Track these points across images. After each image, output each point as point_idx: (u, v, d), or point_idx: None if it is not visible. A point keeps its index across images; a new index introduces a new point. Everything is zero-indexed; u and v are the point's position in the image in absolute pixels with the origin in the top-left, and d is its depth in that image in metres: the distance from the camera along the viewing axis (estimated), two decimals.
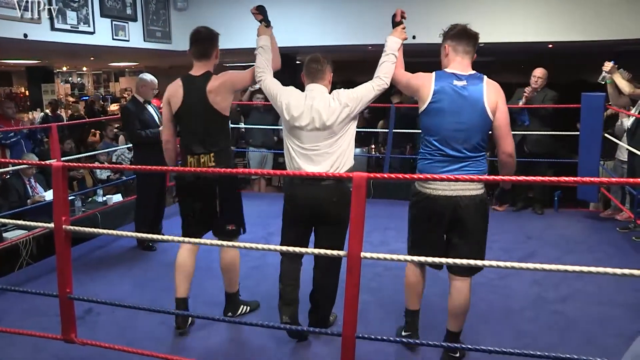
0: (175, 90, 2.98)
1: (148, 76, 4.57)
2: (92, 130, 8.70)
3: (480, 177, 2.41)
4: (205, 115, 2.92)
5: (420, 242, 2.65)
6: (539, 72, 5.43)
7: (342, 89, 2.75)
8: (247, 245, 2.35)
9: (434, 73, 2.53)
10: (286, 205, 2.82)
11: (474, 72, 2.53)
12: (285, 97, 2.75)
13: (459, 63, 2.54)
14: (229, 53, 10.70)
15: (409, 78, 2.66)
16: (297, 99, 2.72)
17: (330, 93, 2.76)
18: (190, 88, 2.95)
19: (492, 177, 2.14)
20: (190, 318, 3.08)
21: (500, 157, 2.56)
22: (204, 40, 2.98)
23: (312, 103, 2.68)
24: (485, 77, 2.51)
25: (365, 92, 2.72)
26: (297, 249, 2.25)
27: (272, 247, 2.26)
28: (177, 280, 3.03)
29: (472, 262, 2.02)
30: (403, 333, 2.81)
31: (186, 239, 2.58)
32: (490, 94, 2.46)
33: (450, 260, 2.14)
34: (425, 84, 2.52)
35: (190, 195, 3.03)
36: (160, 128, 4.42)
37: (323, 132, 2.67)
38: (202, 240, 2.50)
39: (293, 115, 2.70)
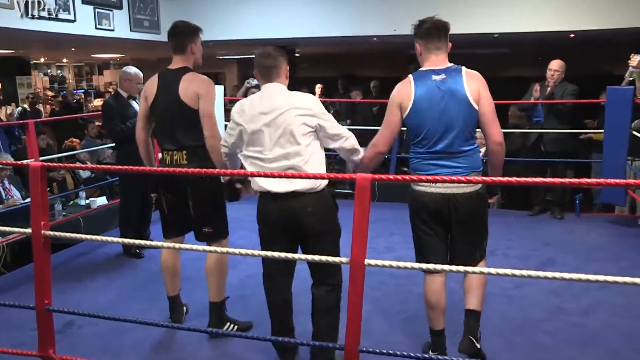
0: (151, 84, 3.11)
1: (132, 69, 4.56)
2: (72, 139, 8.65)
3: (484, 178, 2.54)
4: (176, 110, 3.00)
5: (425, 246, 2.73)
6: (555, 65, 5.40)
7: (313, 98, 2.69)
8: (230, 250, 2.37)
9: (410, 77, 2.65)
10: (259, 225, 2.73)
11: (450, 64, 2.64)
12: (243, 121, 2.66)
13: (433, 60, 2.65)
14: (222, 45, 10.77)
15: (387, 123, 2.70)
16: (253, 107, 2.65)
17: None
18: (164, 82, 3.06)
19: (505, 178, 2.13)
20: (185, 310, 3.35)
21: (489, 146, 2.67)
22: (179, 33, 3.10)
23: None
24: (463, 67, 2.62)
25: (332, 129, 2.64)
26: (283, 255, 2.22)
27: (256, 252, 2.26)
28: (164, 279, 3.27)
29: (484, 269, 2.01)
30: (431, 353, 2.79)
31: (167, 244, 2.73)
32: (471, 83, 2.57)
33: (461, 268, 2.14)
34: (404, 94, 2.62)
35: (163, 193, 3.15)
36: None
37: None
38: (185, 246, 2.58)
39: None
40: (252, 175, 2.63)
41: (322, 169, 2.66)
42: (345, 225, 2.39)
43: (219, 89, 6.54)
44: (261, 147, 2.60)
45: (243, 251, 2.27)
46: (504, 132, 2.67)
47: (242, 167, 2.77)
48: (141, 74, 4.58)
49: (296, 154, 2.56)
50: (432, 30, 2.64)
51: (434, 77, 2.59)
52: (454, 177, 2.47)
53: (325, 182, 2.62)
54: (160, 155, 3.21)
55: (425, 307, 2.77)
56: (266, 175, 2.44)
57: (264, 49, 2.70)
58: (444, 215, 2.64)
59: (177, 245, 2.73)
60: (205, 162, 3.01)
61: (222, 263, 3.15)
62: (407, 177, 1.97)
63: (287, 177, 2.47)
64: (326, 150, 2.71)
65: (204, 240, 3.12)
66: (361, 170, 2.67)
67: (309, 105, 2.60)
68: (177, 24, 3.16)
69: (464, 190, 2.60)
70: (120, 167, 2.63)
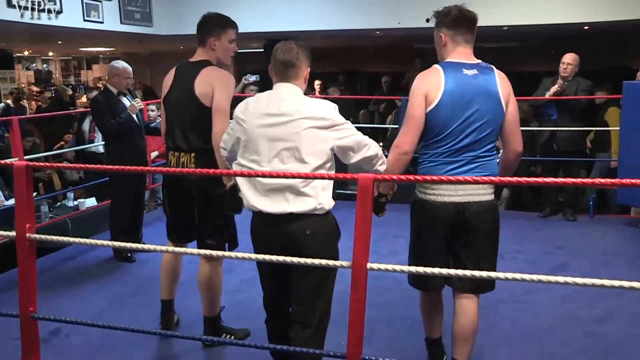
0: (168, 77, 3.06)
1: (120, 63, 4.59)
2: (66, 137, 8.62)
3: (492, 178, 2.46)
4: (189, 106, 2.91)
5: (426, 259, 2.52)
6: (568, 58, 5.40)
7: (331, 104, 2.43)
8: (225, 254, 2.37)
9: (438, 67, 2.50)
10: (253, 247, 2.54)
11: (480, 61, 2.55)
12: (245, 120, 2.46)
13: (461, 53, 2.54)
14: None
15: (410, 116, 2.50)
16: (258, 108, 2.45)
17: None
18: (181, 74, 3.00)
19: (514, 178, 2.13)
20: (176, 319, 3.34)
21: (507, 155, 2.59)
22: (200, 25, 3.07)
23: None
24: (494, 67, 2.55)
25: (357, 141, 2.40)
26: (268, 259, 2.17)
27: (253, 256, 2.24)
28: (161, 280, 3.24)
29: (492, 274, 2.00)
30: None
31: (162, 248, 2.48)
32: (503, 84, 2.50)
33: (469, 273, 2.10)
34: (433, 84, 2.46)
35: (169, 196, 3.12)
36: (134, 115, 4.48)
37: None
38: (181, 249, 2.63)
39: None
40: (236, 174, 2.45)
41: (326, 194, 2.37)
42: (347, 228, 2.39)
43: None
44: (258, 156, 2.37)
45: (240, 255, 2.26)
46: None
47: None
48: (130, 69, 4.60)
49: (299, 169, 2.32)
50: (463, 20, 2.53)
51: (465, 71, 2.48)
52: (469, 178, 2.36)
53: (329, 205, 2.38)
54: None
55: (422, 315, 2.77)
56: (249, 175, 2.31)
57: (285, 43, 2.45)
58: (457, 229, 2.50)
59: (170, 248, 2.70)
60: (215, 167, 2.86)
61: (217, 277, 3.05)
62: (411, 177, 1.96)
63: (278, 177, 2.22)
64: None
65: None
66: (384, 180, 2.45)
67: (325, 115, 2.34)
68: (205, 14, 3.15)
69: (480, 199, 2.48)
70: (110, 167, 2.52)
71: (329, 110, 2.36)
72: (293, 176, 2.23)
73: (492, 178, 2.46)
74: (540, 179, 1.87)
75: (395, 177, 2.01)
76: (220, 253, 2.76)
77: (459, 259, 2.55)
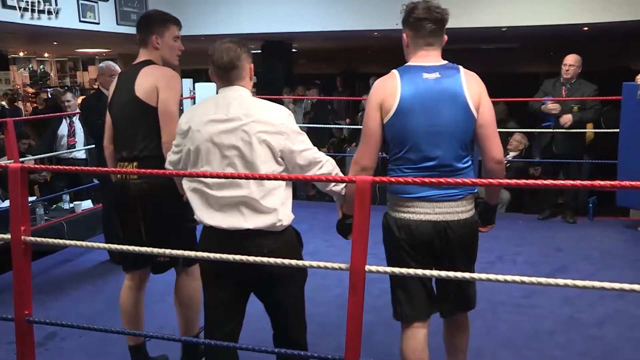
0: (113, 84, 2.86)
1: (104, 63, 4.69)
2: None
3: (491, 180, 2.19)
4: (131, 110, 2.66)
5: (407, 290, 2.36)
6: (570, 60, 5.38)
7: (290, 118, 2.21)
8: (199, 254, 2.19)
9: (395, 72, 2.28)
10: (199, 263, 2.37)
11: (445, 62, 2.29)
12: (191, 130, 2.23)
13: (423, 56, 2.29)
14: (214, 39, 10.73)
15: (366, 130, 2.30)
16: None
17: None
18: (122, 79, 2.79)
19: (512, 181, 2.13)
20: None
21: (486, 164, 2.30)
22: (139, 24, 2.82)
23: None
24: (460, 66, 2.28)
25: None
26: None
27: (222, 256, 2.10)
28: (123, 323, 2.84)
29: (492, 276, 1.99)
30: None
31: (163, 251, 2.25)
32: (471, 86, 2.23)
33: (467, 275, 2.08)
34: (388, 92, 2.24)
35: (116, 210, 2.79)
36: None
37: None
38: (179, 251, 2.29)
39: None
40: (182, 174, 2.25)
41: (285, 209, 2.19)
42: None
43: (211, 87, 6.55)
44: (209, 167, 2.17)
45: (204, 255, 2.13)
46: (518, 132, 2.51)
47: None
48: (114, 66, 4.58)
49: (252, 184, 2.13)
50: (425, 21, 2.25)
51: (425, 75, 2.22)
52: (464, 180, 2.03)
53: (288, 220, 2.21)
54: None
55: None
56: (201, 176, 2.12)
57: (220, 43, 2.24)
58: (435, 250, 2.28)
59: (164, 251, 2.26)
60: (160, 178, 2.62)
61: (191, 296, 2.80)
62: (409, 179, 1.96)
63: (246, 178, 2.05)
64: None
65: (162, 272, 2.78)
66: (348, 200, 2.29)
67: (276, 120, 2.15)
68: (143, 14, 2.91)
69: (459, 217, 2.26)
70: (105, 169, 2.55)
71: (282, 115, 2.18)
72: (270, 178, 2.05)
73: (490, 181, 2.18)
74: (539, 181, 1.86)
75: (393, 179, 2.01)
76: (188, 253, 2.30)
77: (446, 283, 2.36)
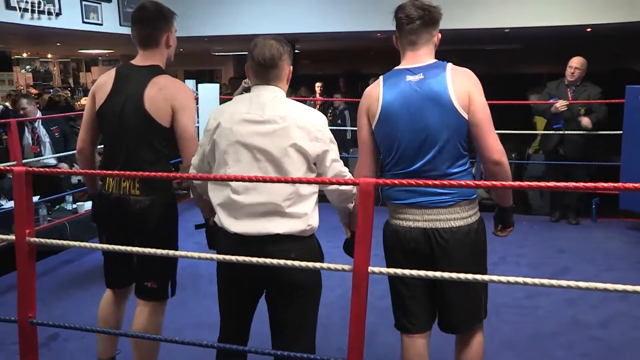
0: (105, 81, 2.51)
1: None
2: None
3: (487, 182, 1.96)
4: (136, 123, 2.41)
5: (401, 300, 2.32)
6: (576, 62, 5.36)
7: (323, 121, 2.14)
8: (182, 253, 2.15)
9: (380, 78, 2.22)
10: (218, 269, 2.27)
11: (434, 60, 2.18)
12: (220, 127, 2.14)
13: (410, 57, 2.19)
14: (218, 40, 10.79)
15: (359, 140, 2.28)
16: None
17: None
18: (124, 81, 2.46)
19: (516, 183, 2.12)
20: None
21: (486, 167, 2.16)
22: (150, 18, 2.48)
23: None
24: (449, 64, 2.15)
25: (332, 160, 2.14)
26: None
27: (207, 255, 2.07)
28: (97, 337, 2.73)
29: (494, 277, 1.97)
30: None
31: (166, 252, 2.16)
32: (459, 84, 2.09)
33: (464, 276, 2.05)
34: (371, 99, 2.19)
35: (106, 225, 2.61)
36: None
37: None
38: (179, 252, 2.28)
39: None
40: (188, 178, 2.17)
41: (314, 217, 2.13)
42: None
43: (215, 88, 6.57)
44: (237, 169, 2.06)
45: (201, 255, 2.05)
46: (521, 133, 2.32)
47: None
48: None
49: (281, 188, 2.05)
50: (405, 19, 2.14)
51: (409, 77, 2.13)
52: (466, 182, 1.90)
53: (317, 223, 2.15)
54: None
55: None
56: (225, 179, 1.97)
57: (264, 40, 2.14)
58: (425, 260, 2.17)
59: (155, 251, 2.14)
60: (164, 197, 2.50)
61: (154, 330, 2.57)
62: (412, 181, 1.96)
63: (264, 181, 1.99)
64: None
65: (143, 298, 2.57)
66: (355, 216, 2.21)
67: (313, 126, 2.07)
68: (145, 6, 2.52)
69: (450, 225, 2.15)
70: (111, 172, 2.45)
71: (319, 121, 2.10)
72: (287, 181, 2.02)
73: (485, 183, 2.00)
74: (542, 183, 1.86)
75: (397, 181, 2.01)
76: (181, 253, 2.23)
77: (444, 296, 2.26)
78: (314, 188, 2.13)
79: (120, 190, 2.46)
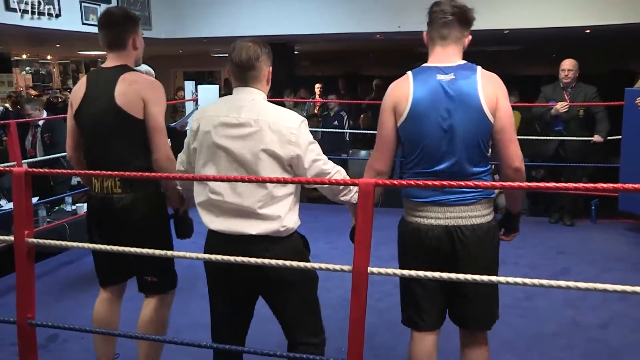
0: (78, 88, 2.58)
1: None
2: None
3: (495, 183, 1.99)
4: (111, 120, 2.46)
5: (415, 299, 2.30)
6: (568, 64, 5.40)
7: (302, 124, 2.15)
8: (181, 254, 2.16)
9: (409, 73, 2.20)
10: (206, 270, 2.31)
11: (464, 62, 2.20)
12: (201, 128, 2.20)
13: (439, 53, 2.20)
14: (216, 42, 10.78)
15: (380, 135, 2.26)
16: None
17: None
18: (95, 83, 2.53)
19: (516, 183, 2.12)
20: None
21: (504, 171, 2.19)
22: (115, 23, 2.55)
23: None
24: (479, 67, 2.18)
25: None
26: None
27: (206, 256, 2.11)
28: (94, 339, 2.73)
29: (494, 278, 1.99)
30: None
31: (164, 252, 2.22)
32: (488, 88, 2.12)
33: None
34: (400, 94, 2.17)
35: (95, 224, 2.64)
36: None
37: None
38: (177, 253, 2.25)
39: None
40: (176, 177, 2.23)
41: (291, 215, 2.16)
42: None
43: (214, 89, 6.57)
44: (214, 170, 2.15)
45: (199, 256, 2.09)
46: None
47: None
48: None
49: (256, 191, 2.10)
50: (439, 12, 2.17)
51: (440, 76, 2.13)
52: (470, 183, 1.90)
53: (294, 225, 2.19)
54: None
55: None
56: (204, 179, 2.08)
57: (241, 42, 2.19)
58: (446, 257, 2.20)
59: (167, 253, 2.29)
60: (147, 191, 2.53)
61: (161, 322, 2.65)
62: (412, 182, 1.96)
63: (256, 181, 2.04)
64: None
65: (146, 292, 2.65)
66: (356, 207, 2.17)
67: (286, 129, 2.09)
68: (111, 11, 2.62)
69: (472, 222, 2.17)
70: (110, 172, 2.46)
71: (293, 123, 2.12)
72: (272, 181, 2.05)
73: (490, 183, 2.08)
74: (542, 184, 1.86)
75: (396, 182, 2.01)
76: (179, 254, 2.21)
77: (455, 294, 2.28)
78: (290, 189, 2.15)
79: (103, 189, 2.52)
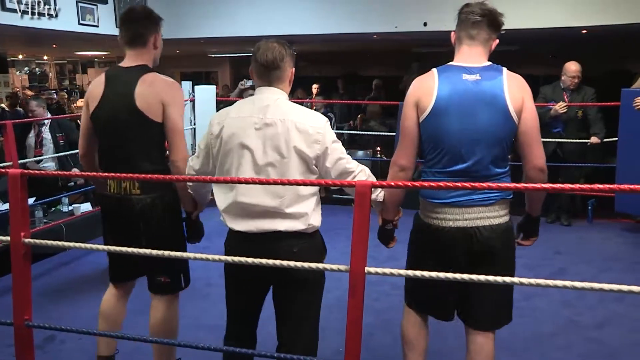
0: (96, 85, 2.55)
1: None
2: None
3: (499, 184, 1.91)
4: (130, 122, 2.45)
5: (427, 298, 2.35)
6: (577, 70, 5.41)
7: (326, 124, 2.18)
8: (185, 255, 2.22)
9: (434, 70, 2.21)
10: (225, 269, 2.36)
11: (489, 63, 2.22)
12: (224, 129, 2.21)
13: (466, 53, 2.22)
14: (214, 42, 10.78)
15: (403, 130, 2.26)
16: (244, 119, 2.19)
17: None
18: (114, 83, 2.51)
19: (514, 185, 2.13)
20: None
21: (528, 172, 2.19)
22: (139, 19, 2.55)
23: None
24: (505, 68, 2.20)
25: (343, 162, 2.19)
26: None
27: (217, 257, 2.13)
28: (100, 329, 2.74)
29: (490, 278, 1.98)
30: None
31: (161, 252, 2.18)
32: (514, 90, 2.13)
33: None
34: (425, 91, 2.18)
35: (110, 225, 2.66)
36: None
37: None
38: (174, 253, 2.26)
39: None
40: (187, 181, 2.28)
41: (315, 214, 2.21)
42: (345, 232, 2.38)
43: (211, 89, 6.56)
44: (240, 172, 2.15)
45: (204, 256, 2.12)
46: None
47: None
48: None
49: (282, 190, 2.13)
50: (470, 13, 2.20)
51: (465, 75, 2.14)
52: (472, 184, 1.88)
53: (318, 223, 2.23)
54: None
55: (402, 345, 2.47)
56: (229, 181, 2.12)
57: (266, 42, 2.20)
58: (464, 257, 2.20)
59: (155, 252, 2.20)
60: (165, 193, 2.53)
61: (172, 323, 2.67)
62: (409, 183, 1.96)
63: (267, 183, 2.04)
64: None
65: (158, 293, 2.64)
66: (387, 205, 2.33)
67: (312, 128, 2.12)
68: (134, 8, 2.63)
69: (491, 222, 2.17)
70: (107, 174, 2.43)
71: (318, 123, 2.15)
72: (283, 183, 2.05)
73: (491, 184, 1.99)
74: (538, 185, 1.87)
75: (392, 183, 2.01)
76: (194, 255, 2.20)
77: (471, 293, 2.27)
78: (314, 189, 2.19)
79: (121, 190, 2.51)
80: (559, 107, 5.32)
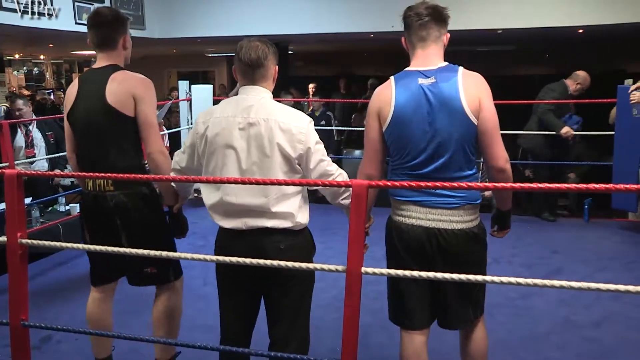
0: (71, 89, 2.61)
1: None
2: None
3: (479, 184, 2.08)
4: (102, 118, 2.48)
5: (402, 297, 2.32)
6: (588, 80, 5.52)
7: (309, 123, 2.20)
8: (175, 255, 2.25)
9: (391, 79, 2.21)
10: (217, 267, 2.36)
11: (445, 63, 2.18)
12: (209, 129, 2.21)
13: (420, 57, 2.20)
14: (211, 42, 10.77)
15: (367, 140, 2.27)
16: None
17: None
18: (86, 84, 2.56)
19: (509, 184, 2.13)
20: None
21: (489, 172, 2.20)
22: (106, 23, 2.57)
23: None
24: (460, 68, 2.16)
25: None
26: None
27: (202, 256, 2.12)
28: (91, 338, 2.75)
29: (488, 278, 1.98)
30: None
31: (165, 253, 2.22)
32: (470, 89, 2.10)
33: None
34: (384, 100, 2.18)
35: (88, 223, 2.66)
36: None
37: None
38: (172, 254, 2.30)
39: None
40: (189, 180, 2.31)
41: (302, 212, 2.23)
42: (341, 232, 2.39)
43: (208, 89, 6.56)
44: (225, 172, 2.18)
45: (195, 256, 2.11)
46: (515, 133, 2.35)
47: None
48: None
49: (267, 189, 2.15)
50: (415, 16, 2.18)
51: (421, 80, 2.13)
52: (463, 184, 1.94)
53: (305, 221, 2.25)
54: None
55: None
56: (211, 181, 2.14)
57: (249, 41, 2.22)
58: (427, 257, 2.21)
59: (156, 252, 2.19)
60: (139, 189, 2.54)
61: (173, 311, 2.70)
62: (405, 183, 1.96)
63: (257, 183, 2.04)
64: None
65: (148, 285, 2.67)
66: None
67: (295, 128, 2.14)
68: (101, 11, 2.63)
69: (453, 227, 2.17)
70: (104, 174, 2.42)
71: (302, 123, 2.17)
72: (272, 183, 2.06)
73: (474, 184, 2.10)
74: (534, 185, 1.87)
75: (389, 183, 2.01)
76: (186, 255, 2.18)
77: (442, 294, 2.28)
78: (299, 187, 2.21)
79: (95, 187, 2.54)
80: (568, 134, 5.36)
